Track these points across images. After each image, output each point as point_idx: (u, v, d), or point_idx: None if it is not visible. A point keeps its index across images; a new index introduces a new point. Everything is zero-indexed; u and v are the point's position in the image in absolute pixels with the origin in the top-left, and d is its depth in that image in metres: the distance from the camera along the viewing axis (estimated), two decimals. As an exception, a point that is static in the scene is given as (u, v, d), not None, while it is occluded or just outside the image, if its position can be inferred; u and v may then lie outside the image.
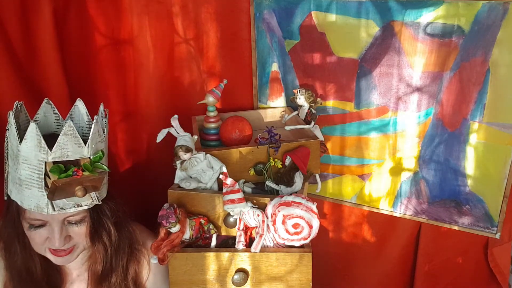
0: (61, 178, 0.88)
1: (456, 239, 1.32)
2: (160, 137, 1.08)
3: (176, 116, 1.10)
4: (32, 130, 0.88)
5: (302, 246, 1.02)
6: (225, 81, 1.30)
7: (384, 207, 1.40)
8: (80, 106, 1.05)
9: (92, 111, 1.07)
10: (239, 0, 1.40)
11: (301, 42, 1.36)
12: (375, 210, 1.42)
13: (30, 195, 0.91)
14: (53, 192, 0.88)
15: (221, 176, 1.01)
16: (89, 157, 0.93)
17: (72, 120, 0.99)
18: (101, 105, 1.00)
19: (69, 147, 0.89)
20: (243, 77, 1.50)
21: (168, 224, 0.96)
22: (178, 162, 1.10)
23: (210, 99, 1.27)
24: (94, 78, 1.45)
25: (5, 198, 1.00)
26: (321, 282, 1.41)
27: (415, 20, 1.15)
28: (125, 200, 1.11)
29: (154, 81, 1.47)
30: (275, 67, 1.45)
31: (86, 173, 0.90)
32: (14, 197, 0.95)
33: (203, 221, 1.04)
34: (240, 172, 1.16)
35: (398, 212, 1.38)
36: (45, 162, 0.89)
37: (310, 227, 0.99)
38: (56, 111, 1.06)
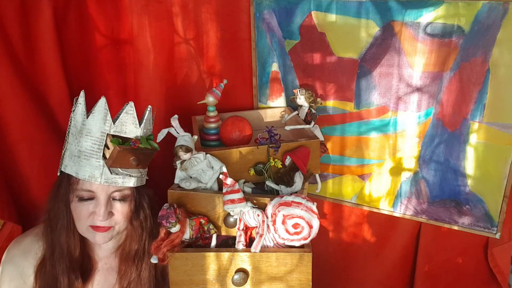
0: (122, 145, 1.01)
1: (456, 239, 1.32)
2: (160, 137, 1.08)
3: (176, 116, 1.10)
4: (102, 103, 1.03)
5: (302, 246, 1.02)
6: (225, 81, 1.30)
7: (384, 207, 1.40)
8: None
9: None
10: (239, 0, 1.41)
11: (301, 42, 1.36)
12: (375, 210, 1.42)
13: (87, 165, 1.02)
14: (113, 158, 1.00)
15: (221, 176, 1.01)
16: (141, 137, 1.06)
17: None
18: (149, 107, 1.10)
19: (127, 125, 1.04)
20: (243, 77, 1.50)
21: (168, 224, 0.96)
22: (178, 162, 1.10)
23: (210, 99, 1.27)
24: (94, 78, 1.45)
25: (58, 174, 1.09)
26: (321, 282, 1.41)
27: (415, 20, 1.15)
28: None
29: (154, 81, 1.47)
30: (275, 67, 1.45)
31: (142, 145, 1.03)
32: (70, 170, 1.04)
33: (203, 221, 1.04)
34: (240, 172, 1.16)
35: (398, 212, 1.38)
36: (107, 134, 1.02)
37: (310, 227, 0.99)
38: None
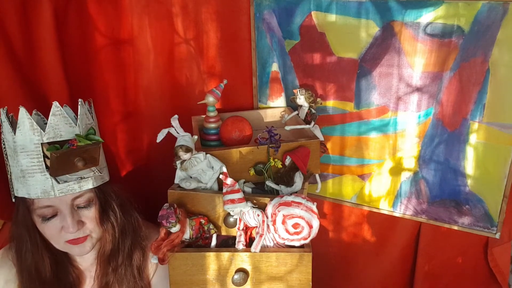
0: (58, 150, 0.93)
1: (456, 239, 1.32)
2: (160, 137, 1.08)
3: (176, 116, 1.10)
4: (22, 114, 0.94)
5: (302, 246, 1.02)
6: (225, 81, 1.30)
7: (384, 207, 1.40)
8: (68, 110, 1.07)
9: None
10: (239, 0, 1.40)
11: (301, 42, 1.36)
12: (375, 210, 1.42)
13: (34, 182, 0.95)
14: (54, 166, 0.93)
15: (221, 176, 1.01)
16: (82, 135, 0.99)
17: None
18: (80, 100, 1.02)
19: (61, 127, 0.95)
20: (243, 77, 1.50)
21: (168, 224, 0.96)
22: (178, 162, 1.10)
23: (210, 99, 1.27)
24: (94, 78, 1.45)
25: (13, 199, 1.03)
26: (321, 282, 1.41)
27: (415, 20, 1.15)
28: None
29: (154, 81, 1.47)
30: (275, 67, 1.45)
31: (81, 143, 0.95)
32: (21, 193, 0.98)
33: (203, 221, 1.05)
34: (240, 172, 1.16)
35: (398, 212, 1.38)
36: (41, 144, 0.94)
37: (310, 227, 0.99)
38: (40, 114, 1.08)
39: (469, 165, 1.22)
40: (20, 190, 0.98)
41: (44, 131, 0.94)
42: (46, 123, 1.01)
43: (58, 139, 0.95)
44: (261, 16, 1.40)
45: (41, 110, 1.31)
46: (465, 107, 1.17)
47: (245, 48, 1.46)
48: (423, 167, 1.29)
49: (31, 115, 0.96)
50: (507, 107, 1.11)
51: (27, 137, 0.94)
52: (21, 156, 0.95)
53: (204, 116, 1.33)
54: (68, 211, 0.99)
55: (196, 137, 1.13)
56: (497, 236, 1.24)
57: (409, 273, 1.47)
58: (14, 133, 0.95)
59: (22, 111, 0.94)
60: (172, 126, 1.09)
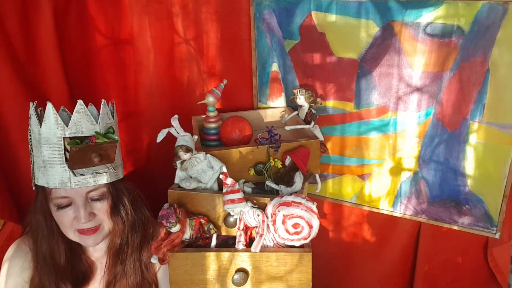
0: (77, 145, 1.00)
1: (456, 239, 1.32)
2: (160, 137, 1.08)
3: (176, 116, 1.10)
4: (49, 109, 1.00)
5: (302, 246, 1.02)
6: (225, 81, 1.30)
7: (384, 207, 1.40)
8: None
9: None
10: (239, 0, 1.41)
11: (301, 42, 1.36)
12: (375, 210, 1.42)
13: (54, 173, 1.01)
14: (72, 160, 0.99)
15: (221, 176, 1.01)
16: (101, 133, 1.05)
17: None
18: (103, 100, 1.07)
19: (82, 124, 1.02)
20: (243, 77, 1.50)
21: (168, 224, 0.96)
22: (178, 162, 1.10)
23: (210, 99, 1.27)
24: (94, 78, 1.45)
25: (33, 188, 1.08)
26: (321, 282, 1.41)
27: (415, 20, 1.15)
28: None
29: (154, 81, 1.48)
30: (275, 67, 1.45)
31: (99, 141, 1.01)
32: (41, 181, 1.04)
33: (203, 221, 1.05)
34: (240, 172, 1.16)
35: (398, 212, 1.38)
36: (63, 138, 1.01)
37: (310, 227, 0.99)
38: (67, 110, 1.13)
39: (469, 165, 1.22)
40: (40, 179, 1.04)
41: (67, 126, 1.00)
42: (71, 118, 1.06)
43: (79, 135, 1.02)
44: (261, 16, 1.40)
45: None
46: (465, 107, 1.17)
47: (245, 48, 1.46)
48: (423, 167, 1.29)
49: (58, 111, 1.02)
50: (507, 107, 1.11)
51: (51, 130, 1.00)
52: (44, 148, 1.01)
53: (204, 116, 1.33)
54: (81, 202, 1.04)
55: (196, 137, 1.13)
56: (497, 236, 1.24)
57: (409, 273, 1.47)
58: (40, 126, 1.01)
59: (49, 106, 1.00)
60: (172, 126, 1.09)
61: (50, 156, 1.01)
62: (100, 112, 1.04)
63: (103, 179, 1.04)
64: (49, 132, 1.01)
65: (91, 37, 1.41)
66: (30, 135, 1.06)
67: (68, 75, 1.35)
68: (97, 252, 1.16)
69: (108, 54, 1.44)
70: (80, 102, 1.01)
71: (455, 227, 1.30)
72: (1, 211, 1.26)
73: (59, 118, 1.00)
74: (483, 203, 1.23)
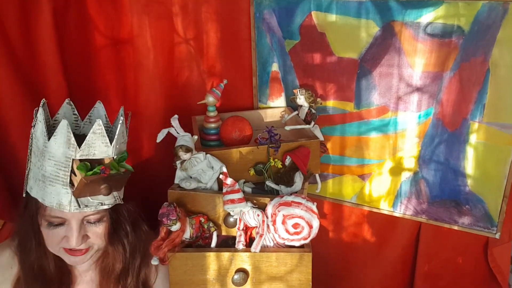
0: (89, 176, 0.89)
1: (456, 239, 1.32)
2: (160, 137, 1.08)
3: (176, 116, 1.10)
4: (63, 127, 0.89)
5: (302, 246, 1.02)
6: (225, 81, 1.30)
7: (384, 207, 1.40)
8: (99, 108, 1.06)
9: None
10: (239, 0, 1.40)
11: (301, 42, 1.36)
12: (375, 210, 1.42)
13: (53, 192, 0.92)
14: (80, 189, 0.90)
15: (221, 176, 1.01)
16: (113, 157, 0.94)
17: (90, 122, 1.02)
18: (122, 108, 1.01)
19: (96, 146, 0.91)
20: (243, 77, 1.50)
21: (168, 221, 0.96)
22: (178, 162, 1.10)
23: (210, 99, 1.27)
24: (94, 78, 1.45)
25: (24, 194, 1.01)
26: (321, 282, 1.41)
27: (415, 20, 1.15)
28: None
29: (154, 81, 1.47)
30: (275, 67, 1.45)
31: (113, 171, 0.92)
32: (35, 194, 0.95)
33: (202, 219, 1.05)
34: (240, 172, 1.16)
35: (398, 212, 1.38)
36: (73, 160, 0.90)
37: (310, 227, 0.99)
38: (76, 112, 1.05)
39: (469, 165, 1.22)
40: (35, 191, 0.95)
41: (79, 148, 0.90)
42: (76, 119, 0.99)
43: (91, 157, 0.92)
44: (261, 16, 1.40)
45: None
46: (465, 107, 1.17)
47: (245, 48, 1.46)
48: (423, 167, 1.29)
49: (57, 110, 0.94)
50: (507, 107, 1.11)
51: (61, 149, 0.90)
52: (47, 163, 0.91)
53: (204, 116, 1.33)
54: (76, 226, 0.96)
55: (196, 137, 1.13)
56: (497, 236, 1.24)
57: (409, 273, 1.46)
58: (48, 139, 0.91)
59: (64, 124, 0.89)
60: (172, 126, 1.09)
61: (53, 173, 0.91)
62: (117, 132, 0.93)
63: (104, 206, 0.97)
64: (58, 149, 0.90)
65: (91, 37, 1.41)
66: (32, 139, 0.96)
67: (68, 75, 1.35)
68: (82, 266, 1.10)
69: (108, 54, 1.44)
70: (98, 122, 0.90)
71: (455, 227, 1.30)
72: (1, 211, 1.26)
73: (73, 139, 0.89)
74: (483, 203, 1.23)
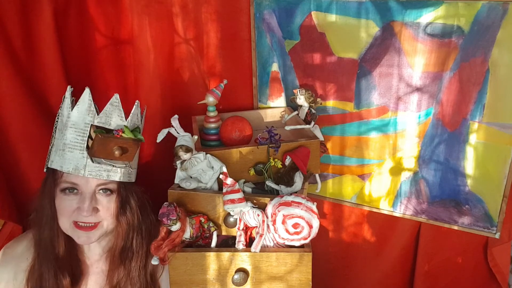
0: (103, 134, 1.01)
1: (456, 239, 1.32)
2: (160, 137, 1.08)
3: (176, 116, 1.10)
4: (86, 94, 1.03)
5: (302, 246, 1.02)
6: (225, 81, 1.30)
7: (384, 207, 1.40)
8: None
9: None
10: (239, 0, 1.41)
11: (301, 42, 1.36)
12: (375, 210, 1.42)
13: (71, 157, 1.02)
14: (94, 147, 1.00)
15: (221, 176, 1.01)
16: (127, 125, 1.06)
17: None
18: (137, 102, 1.10)
19: (112, 116, 1.04)
20: (243, 77, 1.50)
21: (169, 221, 0.96)
22: (178, 162, 1.10)
23: (210, 99, 1.27)
24: (94, 78, 1.45)
25: (45, 170, 1.08)
26: (321, 282, 1.41)
27: (415, 20, 1.15)
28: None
29: (154, 81, 1.47)
30: (275, 67, 1.45)
31: (125, 135, 1.02)
32: (55, 165, 1.03)
33: (202, 219, 1.05)
34: (240, 172, 1.16)
35: (398, 212, 1.38)
36: (91, 125, 1.03)
37: (310, 227, 0.99)
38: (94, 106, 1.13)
39: (469, 165, 1.22)
40: (55, 162, 1.04)
41: (97, 115, 1.03)
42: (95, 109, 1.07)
43: (107, 127, 1.04)
44: (261, 16, 1.40)
45: (41, 109, 1.32)
46: (465, 107, 1.17)
47: (245, 48, 1.46)
48: (423, 167, 1.29)
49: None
50: (507, 107, 1.11)
51: (82, 115, 1.02)
52: (69, 131, 1.03)
53: (204, 116, 1.33)
54: (89, 194, 1.03)
55: (196, 137, 1.13)
56: (497, 236, 1.24)
57: (409, 273, 1.47)
58: (71, 110, 1.03)
59: (87, 91, 1.03)
60: (172, 126, 1.09)
61: (73, 140, 1.02)
62: (131, 112, 1.06)
63: (116, 176, 1.04)
64: (79, 116, 1.02)
65: (91, 37, 1.41)
66: (58, 118, 1.07)
67: (68, 75, 1.35)
68: (93, 255, 1.13)
69: (108, 54, 1.44)
70: (116, 96, 1.03)
71: (455, 227, 1.30)
72: (1, 211, 1.26)
73: (93, 105, 1.02)
74: (483, 203, 1.23)
